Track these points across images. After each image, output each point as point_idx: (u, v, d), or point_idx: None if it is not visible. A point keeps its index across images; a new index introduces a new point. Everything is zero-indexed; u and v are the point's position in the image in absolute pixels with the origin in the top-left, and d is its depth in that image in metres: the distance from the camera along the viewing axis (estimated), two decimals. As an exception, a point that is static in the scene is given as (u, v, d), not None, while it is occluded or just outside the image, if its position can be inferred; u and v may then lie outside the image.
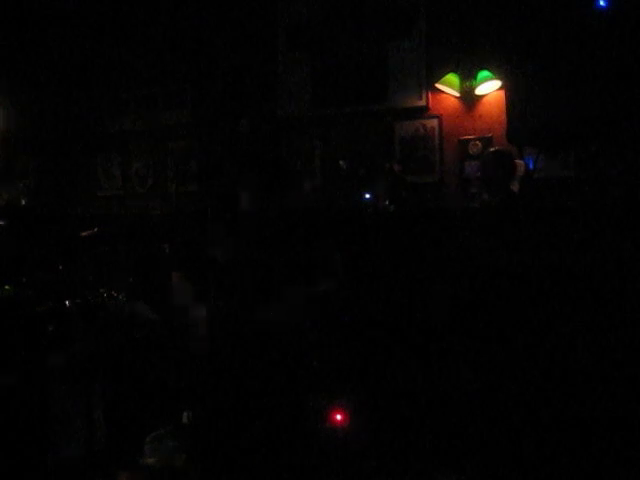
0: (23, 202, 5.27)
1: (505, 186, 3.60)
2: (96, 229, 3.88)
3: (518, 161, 3.75)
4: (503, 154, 3.69)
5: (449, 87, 4.53)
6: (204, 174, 4.95)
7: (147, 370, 3.39)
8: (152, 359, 3.38)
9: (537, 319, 3.10)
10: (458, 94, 4.55)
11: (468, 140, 4.53)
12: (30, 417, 3.23)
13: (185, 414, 3.20)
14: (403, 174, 4.13)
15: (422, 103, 4.67)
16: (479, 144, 4.48)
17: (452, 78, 4.51)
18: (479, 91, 4.47)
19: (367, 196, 4.11)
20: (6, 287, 3.65)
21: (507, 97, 4.20)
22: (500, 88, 4.36)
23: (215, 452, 2.75)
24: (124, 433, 3.36)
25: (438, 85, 4.54)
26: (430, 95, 4.65)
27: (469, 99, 4.54)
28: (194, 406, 3.09)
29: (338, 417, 3.08)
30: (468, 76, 4.49)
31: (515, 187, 3.68)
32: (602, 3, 3.25)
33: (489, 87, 4.43)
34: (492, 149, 3.94)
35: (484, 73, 4.38)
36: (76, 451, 3.26)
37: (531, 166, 3.68)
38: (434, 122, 4.65)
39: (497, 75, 4.31)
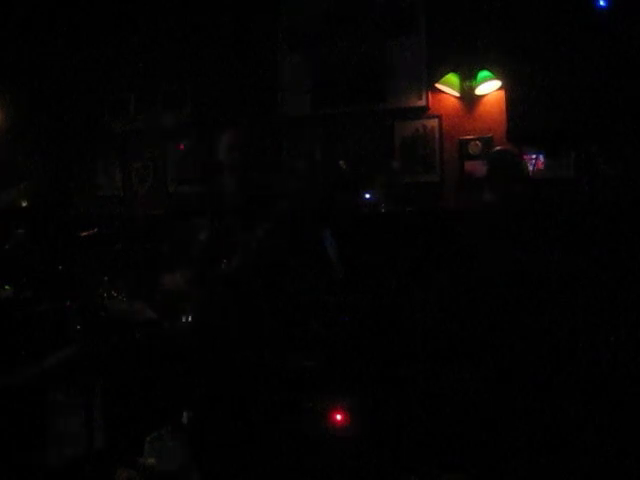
0: (24, 204, 5.26)
1: (507, 186, 3.60)
2: (96, 229, 3.87)
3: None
4: (507, 154, 3.69)
5: (449, 87, 4.53)
6: (204, 174, 4.94)
7: (147, 370, 3.39)
8: (152, 359, 3.37)
9: (538, 319, 3.10)
10: (458, 94, 4.55)
11: (468, 140, 4.53)
12: (30, 417, 3.23)
13: (185, 414, 3.19)
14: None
15: (422, 103, 4.66)
16: (479, 144, 4.48)
17: (452, 78, 4.51)
18: (479, 91, 4.47)
19: (367, 196, 4.12)
20: (6, 287, 3.65)
21: (507, 97, 4.22)
22: (500, 88, 4.36)
23: (215, 452, 2.75)
24: (124, 433, 3.36)
25: (438, 85, 4.54)
26: (430, 95, 4.65)
27: (469, 99, 4.53)
28: (194, 406, 3.09)
29: (338, 417, 3.08)
30: (468, 76, 4.49)
31: (517, 187, 3.68)
32: (602, 3, 3.25)
33: (489, 87, 4.42)
34: (497, 148, 3.93)
35: (484, 73, 4.38)
36: (76, 451, 3.26)
37: (531, 166, 3.69)
38: (434, 122, 4.65)
39: (497, 75, 4.31)
